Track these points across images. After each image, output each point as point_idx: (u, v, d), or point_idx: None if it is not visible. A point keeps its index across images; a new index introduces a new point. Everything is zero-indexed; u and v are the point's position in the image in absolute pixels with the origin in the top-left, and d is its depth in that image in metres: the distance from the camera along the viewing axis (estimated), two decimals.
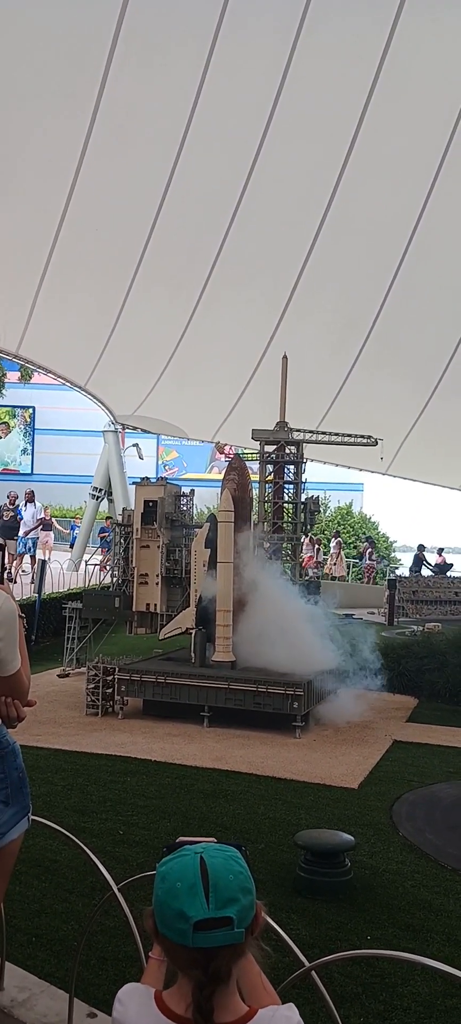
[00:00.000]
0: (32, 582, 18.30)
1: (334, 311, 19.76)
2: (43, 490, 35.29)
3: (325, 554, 27.68)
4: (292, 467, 14.69)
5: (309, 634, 11.96)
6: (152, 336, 19.75)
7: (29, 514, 23.19)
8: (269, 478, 14.79)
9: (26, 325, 17.60)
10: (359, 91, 15.76)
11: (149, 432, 28.02)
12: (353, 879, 6.12)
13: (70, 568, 22.62)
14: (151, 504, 13.69)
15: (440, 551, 27.52)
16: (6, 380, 41.72)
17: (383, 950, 4.97)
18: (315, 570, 25.85)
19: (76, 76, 14.42)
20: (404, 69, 15.55)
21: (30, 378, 43.27)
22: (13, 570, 21.64)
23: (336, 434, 15.86)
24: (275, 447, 14.66)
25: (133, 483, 15.46)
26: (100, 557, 20.84)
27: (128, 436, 27.95)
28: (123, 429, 25.50)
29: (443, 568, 26.05)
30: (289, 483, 14.75)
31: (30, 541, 22.91)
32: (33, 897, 5.68)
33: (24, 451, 46.71)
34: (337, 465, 24.06)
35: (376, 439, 15.67)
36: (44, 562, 18.21)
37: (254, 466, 15.06)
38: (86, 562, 17.65)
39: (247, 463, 13.97)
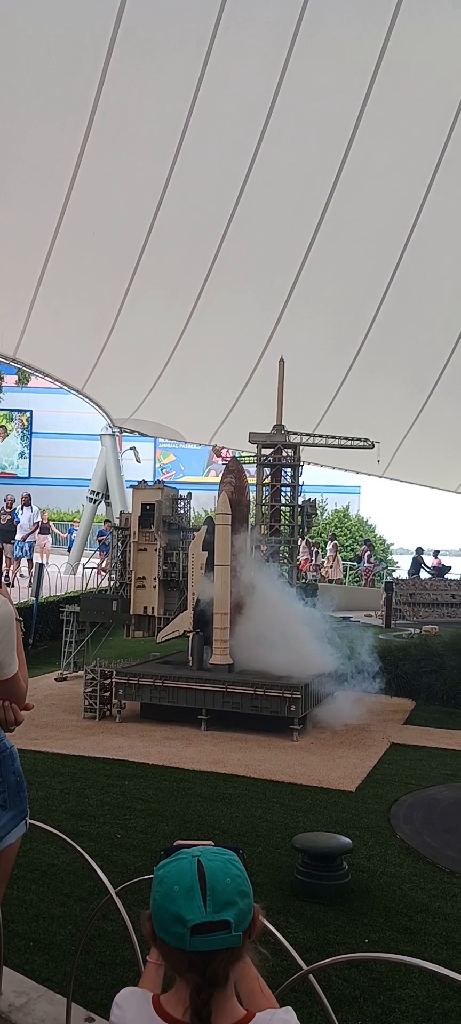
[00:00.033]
0: (29, 586, 18.29)
1: (331, 314, 19.80)
2: (40, 493, 35.27)
3: (322, 557, 27.70)
4: (289, 470, 14.70)
5: (306, 637, 11.97)
6: (149, 339, 19.77)
7: (26, 517, 23.19)
8: (266, 481, 14.78)
9: (23, 328, 17.60)
10: (355, 95, 15.81)
11: (146, 435, 28.02)
12: (351, 882, 6.12)
13: (67, 571, 22.61)
14: (148, 507, 13.68)
15: (435, 553, 27.58)
16: (3, 384, 41.73)
17: (381, 953, 4.97)
18: (314, 573, 25.89)
19: (72, 81, 14.44)
20: (400, 73, 15.61)
21: (27, 382, 43.33)
22: (10, 574, 21.64)
23: (333, 437, 15.86)
24: (272, 450, 14.66)
25: (130, 486, 15.45)
26: (98, 560, 20.83)
27: (125, 439, 27.95)
28: (120, 432, 25.50)
29: (441, 570, 26.09)
30: (286, 486, 14.75)
31: (27, 545, 22.91)
32: (30, 901, 5.67)
33: (21, 455, 46.69)
34: (334, 468, 24.10)
35: (373, 442, 15.66)
36: (41, 566, 18.20)
37: (251, 469, 15.05)
38: (84, 565, 17.64)
39: (244, 466, 13.97)
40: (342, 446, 16.08)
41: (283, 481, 14.73)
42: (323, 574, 26.45)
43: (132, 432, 25.34)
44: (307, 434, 15.66)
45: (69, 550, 27.26)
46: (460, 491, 25.48)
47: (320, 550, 28.18)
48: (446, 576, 25.33)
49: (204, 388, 21.14)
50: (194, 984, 1.61)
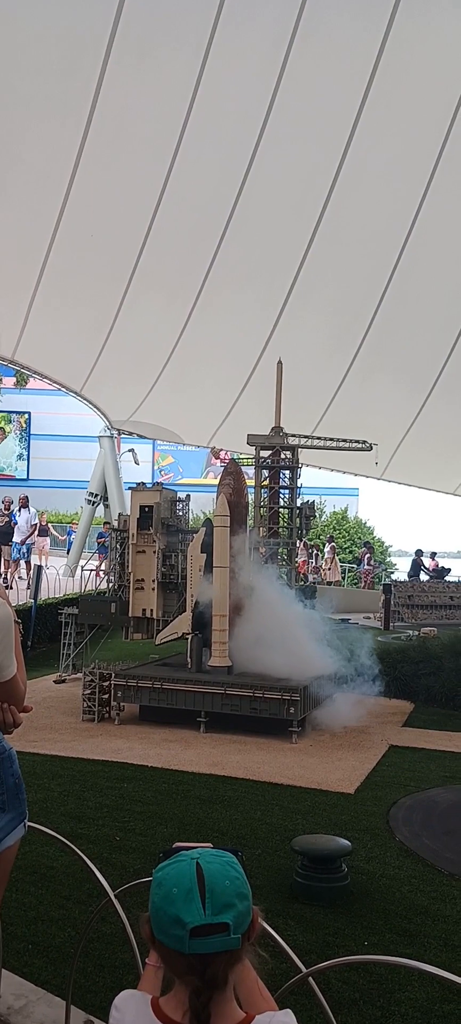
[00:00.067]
0: (28, 588, 18.28)
1: (329, 316, 19.82)
2: (39, 495, 35.26)
3: (321, 559, 27.71)
4: (287, 472, 14.70)
5: (305, 639, 11.96)
6: (148, 341, 19.78)
7: (23, 519, 23.17)
8: (265, 483, 14.79)
9: (22, 330, 17.61)
10: (353, 96, 15.83)
11: (145, 437, 28.02)
12: (350, 884, 6.12)
13: (66, 573, 22.60)
14: (147, 509, 13.68)
15: (433, 555, 27.59)
16: (2, 385, 41.72)
17: (380, 955, 4.97)
18: (316, 575, 25.92)
19: (71, 81, 14.45)
20: (398, 74, 15.63)
21: (26, 383, 43.35)
22: (9, 576, 21.63)
23: (331, 439, 15.88)
24: (270, 452, 14.67)
25: (129, 488, 15.45)
26: (96, 562, 20.82)
27: (124, 441, 27.96)
28: (119, 434, 25.50)
29: (441, 573, 26.11)
30: (285, 488, 14.76)
31: (25, 547, 22.89)
32: (29, 904, 5.66)
33: (20, 456, 46.68)
34: (332, 470, 24.10)
35: (371, 444, 15.68)
36: (40, 567, 18.18)
37: (250, 471, 15.06)
38: (82, 567, 17.62)
39: (243, 468, 13.98)
40: (340, 448, 16.10)
41: (281, 483, 14.73)
42: (321, 576, 26.47)
43: (130, 434, 25.34)
44: (305, 436, 15.68)
45: (68, 552, 27.25)
46: (458, 493, 25.49)
47: (319, 552, 28.20)
48: (446, 578, 25.35)
49: (203, 390, 21.15)
50: (193, 986, 1.61)
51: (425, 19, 15.12)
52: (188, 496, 15.00)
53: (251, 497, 14.42)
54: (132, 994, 1.78)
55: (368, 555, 28.60)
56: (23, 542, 22.89)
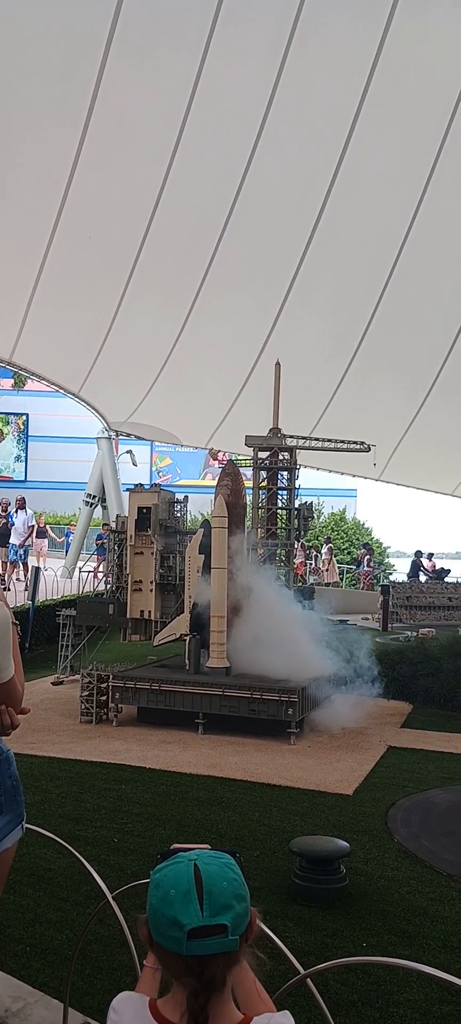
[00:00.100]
0: (26, 589, 18.26)
1: (327, 318, 19.82)
2: (37, 497, 35.26)
3: (320, 561, 27.71)
4: (285, 473, 14.71)
5: (304, 640, 11.96)
6: (146, 343, 19.77)
7: (20, 521, 23.16)
8: (263, 484, 14.79)
9: (19, 332, 17.58)
10: (352, 97, 15.83)
11: (143, 439, 28.01)
12: (348, 886, 6.11)
13: (64, 575, 22.59)
14: (145, 511, 13.67)
15: (430, 556, 27.61)
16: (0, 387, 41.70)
17: (379, 957, 4.96)
18: (317, 577, 25.93)
19: (69, 83, 14.44)
20: (397, 74, 15.64)
21: (23, 385, 43.34)
22: (6, 577, 21.62)
23: (329, 440, 15.89)
24: (268, 453, 14.68)
25: (127, 489, 15.45)
26: (95, 563, 20.81)
27: (122, 443, 27.97)
28: (117, 436, 25.50)
29: (440, 574, 26.12)
30: (282, 489, 14.76)
31: (22, 549, 22.87)
32: (27, 906, 5.65)
33: (17, 458, 46.67)
34: (330, 471, 24.10)
35: (369, 445, 15.69)
36: (38, 569, 18.17)
37: (248, 472, 15.06)
38: (80, 569, 17.62)
39: (240, 469, 13.98)
40: (338, 449, 16.11)
41: (280, 484, 14.74)
42: (321, 577, 26.49)
43: (128, 435, 25.32)
44: (303, 437, 15.68)
45: (66, 553, 27.24)
46: (456, 494, 25.51)
47: (318, 553, 28.20)
48: (445, 579, 25.36)
49: (200, 391, 21.14)
50: (191, 988, 1.60)
51: (424, 19, 15.13)
52: (186, 497, 15.01)
53: (249, 498, 14.42)
54: (130, 996, 1.78)
55: (368, 556, 28.60)
56: (22, 544, 22.86)
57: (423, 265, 18.54)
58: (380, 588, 23.16)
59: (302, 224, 17.67)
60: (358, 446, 15.76)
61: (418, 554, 26.35)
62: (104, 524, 25.55)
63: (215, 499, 12.47)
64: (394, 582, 24.54)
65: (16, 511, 23.59)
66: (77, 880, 5.80)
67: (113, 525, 15.78)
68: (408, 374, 20.94)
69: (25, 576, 21.30)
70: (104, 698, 11.95)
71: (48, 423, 44.20)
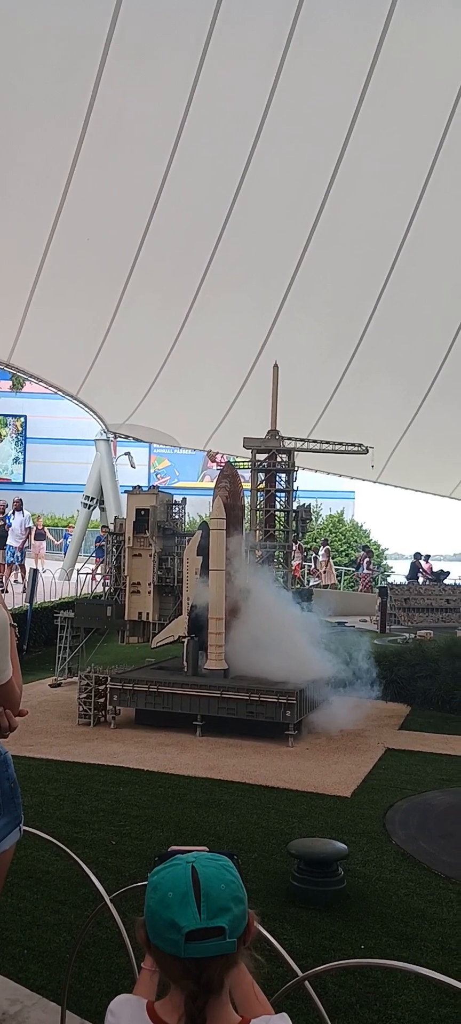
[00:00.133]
0: (23, 591, 18.24)
1: (325, 320, 19.84)
2: (35, 499, 35.22)
3: (318, 562, 27.71)
4: (284, 475, 14.71)
5: (302, 642, 11.96)
6: (144, 345, 19.77)
7: (17, 522, 23.11)
8: (261, 486, 14.80)
9: (18, 334, 17.58)
10: (350, 97, 15.85)
11: (141, 440, 28.00)
12: (346, 888, 6.11)
13: (62, 577, 22.57)
14: (143, 512, 13.67)
15: (426, 558, 27.61)
16: None
17: (377, 959, 4.96)
18: (317, 579, 25.93)
19: (68, 83, 14.45)
20: (395, 75, 15.66)
21: (22, 387, 43.33)
22: (4, 580, 21.59)
23: (327, 442, 15.90)
24: (266, 455, 14.68)
25: (125, 491, 15.44)
26: (93, 565, 20.79)
27: (120, 445, 27.95)
28: (115, 438, 25.49)
29: (438, 576, 26.12)
30: (281, 491, 14.77)
31: (18, 552, 22.81)
32: (25, 909, 5.64)
33: (16, 460, 46.64)
34: (328, 473, 24.11)
35: (367, 447, 15.72)
36: (36, 571, 18.15)
37: (246, 474, 15.07)
38: (78, 571, 17.61)
39: (239, 471, 13.99)
40: (336, 451, 16.13)
41: (278, 486, 14.74)
42: (320, 579, 26.50)
43: (127, 437, 25.32)
44: (301, 439, 15.70)
45: (64, 555, 27.22)
46: (454, 496, 25.53)
47: (316, 555, 28.20)
48: (445, 581, 25.35)
49: (199, 393, 21.15)
50: (189, 991, 1.60)
51: (423, 19, 15.15)
52: (184, 499, 15.01)
53: (247, 500, 14.43)
54: (127, 998, 1.77)
55: (367, 559, 28.59)
56: (20, 548, 22.83)
57: (421, 266, 18.56)
58: (378, 590, 23.15)
59: (300, 225, 17.69)
60: (356, 448, 15.78)
61: (417, 556, 26.35)
62: (103, 526, 25.54)
63: (213, 501, 12.47)
64: (392, 584, 24.55)
65: (13, 513, 23.55)
66: (75, 882, 5.79)
67: (111, 527, 15.78)
68: (406, 376, 20.96)
69: (23, 578, 21.27)
70: (102, 700, 11.94)
71: (46, 425, 44.19)
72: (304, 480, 17.72)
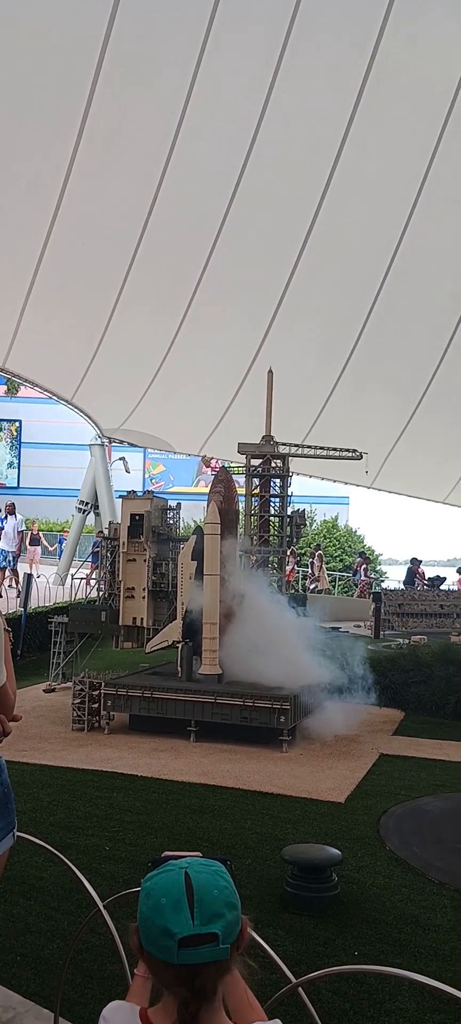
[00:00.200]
0: (18, 596, 18.20)
1: (318, 327, 19.90)
2: (29, 504, 35.19)
3: (315, 567, 27.72)
4: (278, 480, 14.73)
5: (296, 647, 11.96)
6: (139, 350, 19.79)
7: (10, 526, 23.04)
8: (255, 491, 14.81)
9: (13, 338, 17.59)
10: (343, 109, 15.93)
11: (136, 446, 28.01)
12: (340, 894, 6.10)
13: (56, 582, 22.52)
14: (138, 517, 13.66)
15: (418, 563, 27.61)
16: None
17: (370, 965, 4.96)
18: (315, 584, 25.94)
19: (63, 94, 14.49)
20: (387, 88, 15.74)
21: (16, 391, 43.31)
22: None
23: (321, 448, 15.92)
24: (261, 460, 14.69)
25: (120, 496, 15.43)
26: (88, 570, 20.76)
27: (115, 450, 27.95)
28: (110, 443, 25.48)
29: (433, 582, 26.12)
30: (275, 496, 14.78)
31: (11, 555, 22.74)
32: (18, 915, 5.62)
33: (10, 464, 46.58)
34: (323, 479, 24.17)
35: (361, 453, 15.73)
36: (30, 576, 18.11)
37: (240, 479, 15.08)
38: (72, 576, 17.58)
39: (233, 476, 13.99)
40: (330, 457, 16.14)
41: (272, 491, 14.76)
42: (318, 585, 26.52)
43: (121, 442, 25.33)
44: (296, 445, 15.71)
45: (59, 560, 27.19)
46: (448, 502, 25.60)
47: (313, 560, 28.20)
48: (440, 587, 25.35)
49: (193, 399, 21.18)
50: (182, 997, 1.60)
51: (416, 30, 15.23)
52: (179, 504, 15.01)
53: (241, 505, 14.43)
54: (121, 1005, 1.77)
55: (364, 566, 28.61)
56: (17, 552, 22.76)
57: (414, 275, 18.65)
58: (372, 595, 23.17)
59: (294, 233, 17.76)
60: (350, 454, 15.80)
61: (414, 561, 26.37)
62: (98, 531, 25.51)
63: (208, 506, 12.48)
64: (386, 589, 24.57)
65: (6, 517, 23.49)
66: (68, 889, 5.78)
67: (106, 532, 15.76)
68: (400, 382, 21.04)
69: (16, 583, 21.21)
70: (96, 705, 11.92)
71: (41, 430, 44.17)
72: (298, 485, 17.76)
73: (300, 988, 2.97)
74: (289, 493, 14.86)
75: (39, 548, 28.00)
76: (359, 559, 29.91)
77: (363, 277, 18.97)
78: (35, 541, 27.43)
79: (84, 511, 26.29)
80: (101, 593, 14.48)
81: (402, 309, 19.32)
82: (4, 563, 22.46)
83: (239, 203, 16.86)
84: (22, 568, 22.66)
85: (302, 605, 15.14)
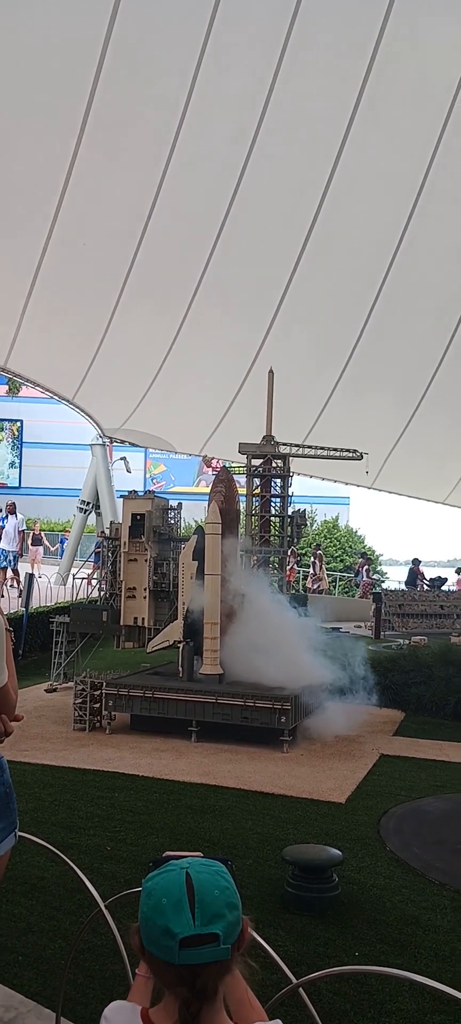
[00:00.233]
0: (19, 596, 18.21)
1: (319, 327, 19.90)
2: (31, 503, 35.19)
3: (318, 567, 27.71)
4: (279, 480, 14.73)
5: (297, 647, 11.96)
6: (140, 350, 19.79)
7: (11, 525, 23.05)
8: (256, 491, 14.81)
9: (14, 338, 17.59)
10: (343, 111, 15.93)
11: (137, 446, 28.02)
12: (341, 894, 6.11)
13: (57, 582, 22.53)
14: (139, 517, 13.67)
15: (418, 564, 27.60)
16: None
17: (371, 966, 4.96)
18: (319, 584, 25.93)
19: (64, 94, 14.49)
20: (387, 89, 15.74)
21: (18, 391, 43.31)
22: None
23: (322, 448, 15.92)
24: (262, 461, 14.70)
25: (121, 496, 15.44)
26: (89, 570, 20.76)
27: (116, 449, 27.96)
28: (111, 442, 25.49)
29: (434, 583, 26.11)
30: (276, 496, 14.79)
31: (11, 555, 22.75)
32: (20, 915, 5.63)
33: (12, 464, 46.60)
34: (323, 479, 24.16)
35: (361, 453, 15.74)
36: (31, 576, 18.12)
37: (241, 479, 15.09)
38: (74, 576, 17.59)
39: (234, 476, 14.00)
40: (331, 457, 16.14)
41: (273, 491, 14.76)
42: (307, 585, 26.51)
43: (122, 442, 25.34)
44: (297, 445, 15.72)
45: (61, 560, 27.20)
46: (448, 503, 25.58)
47: (314, 560, 28.19)
48: (442, 588, 25.34)
49: (195, 399, 21.18)
50: (183, 998, 1.60)
51: (416, 32, 15.23)
52: (180, 504, 15.02)
53: (242, 505, 14.44)
54: (122, 1005, 1.78)
55: (366, 567, 28.60)
56: (19, 551, 22.77)
57: (415, 276, 18.64)
58: (372, 596, 23.17)
59: (294, 235, 17.76)
60: (351, 454, 15.80)
61: (415, 562, 26.36)
62: (100, 532, 25.51)
63: (209, 505, 12.49)
64: (386, 590, 24.56)
65: (6, 516, 23.48)
66: (70, 888, 5.79)
67: (107, 532, 15.78)
68: (400, 383, 21.03)
69: (17, 583, 21.22)
70: (97, 705, 11.93)
71: (42, 429, 44.17)
72: (299, 485, 17.76)
73: (301, 988, 2.97)
74: (290, 493, 14.87)
75: (41, 548, 28.01)
76: (361, 560, 29.90)
77: (363, 278, 18.96)
78: (37, 541, 27.43)
79: (85, 511, 26.30)
80: (102, 593, 14.49)
81: (402, 311, 19.31)
82: (5, 563, 22.46)
83: (239, 203, 16.86)
84: (24, 568, 22.66)
85: (303, 605, 15.14)
